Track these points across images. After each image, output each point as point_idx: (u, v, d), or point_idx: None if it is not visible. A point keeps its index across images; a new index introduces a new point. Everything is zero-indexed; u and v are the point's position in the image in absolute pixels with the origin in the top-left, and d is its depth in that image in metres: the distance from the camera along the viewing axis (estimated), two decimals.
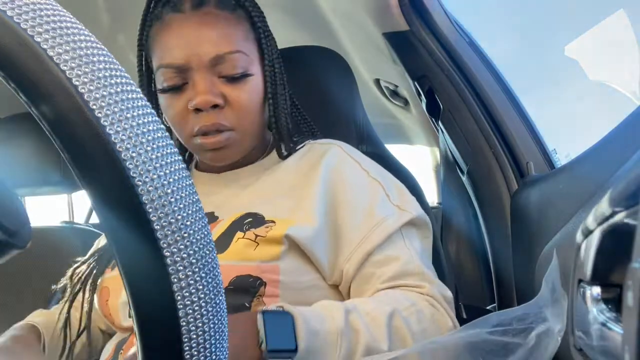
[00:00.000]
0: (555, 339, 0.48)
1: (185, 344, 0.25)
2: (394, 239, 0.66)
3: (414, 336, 0.58)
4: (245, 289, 0.62)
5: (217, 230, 0.66)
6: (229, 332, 0.39)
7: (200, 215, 0.26)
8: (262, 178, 0.73)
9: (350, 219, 0.67)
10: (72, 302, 0.71)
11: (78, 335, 0.71)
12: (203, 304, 0.26)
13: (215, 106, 0.66)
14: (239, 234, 0.64)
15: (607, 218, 0.36)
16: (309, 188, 0.68)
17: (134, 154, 0.24)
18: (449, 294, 0.66)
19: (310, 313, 0.56)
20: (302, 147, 0.77)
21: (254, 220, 0.65)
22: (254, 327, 0.52)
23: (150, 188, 0.24)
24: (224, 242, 0.65)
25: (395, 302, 0.60)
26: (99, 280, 0.71)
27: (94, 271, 0.71)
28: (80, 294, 0.71)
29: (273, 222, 0.64)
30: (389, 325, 0.57)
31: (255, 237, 0.63)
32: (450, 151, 0.96)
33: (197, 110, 0.66)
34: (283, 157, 0.75)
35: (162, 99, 0.70)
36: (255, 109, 0.70)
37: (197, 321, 0.25)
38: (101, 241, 0.81)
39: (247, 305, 0.63)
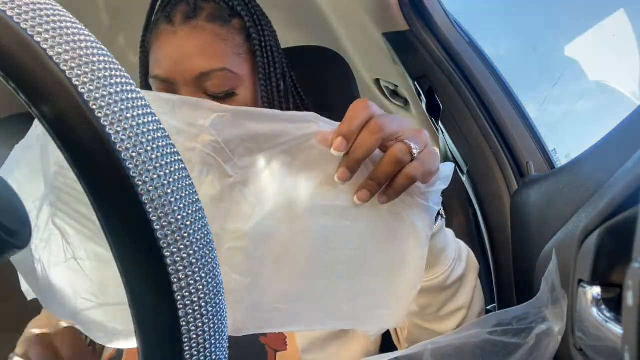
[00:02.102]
0: (556, 339, 0.48)
1: (185, 344, 0.25)
2: None
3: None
4: None
5: None
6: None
7: (201, 215, 0.26)
8: None
9: None
10: None
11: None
12: (203, 304, 0.26)
13: None
14: None
15: (607, 218, 0.36)
16: None
17: (134, 154, 0.24)
18: None
19: None
20: None
21: None
22: None
23: (150, 188, 0.24)
24: None
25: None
26: None
27: None
28: None
29: None
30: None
31: None
32: (450, 151, 0.96)
33: None
34: None
35: None
36: None
37: (197, 321, 0.25)
38: None
39: None
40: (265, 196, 0.46)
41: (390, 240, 0.49)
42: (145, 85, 0.74)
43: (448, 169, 0.50)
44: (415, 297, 0.52)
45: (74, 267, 0.45)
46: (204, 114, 0.44)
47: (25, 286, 0.48)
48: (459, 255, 0.59)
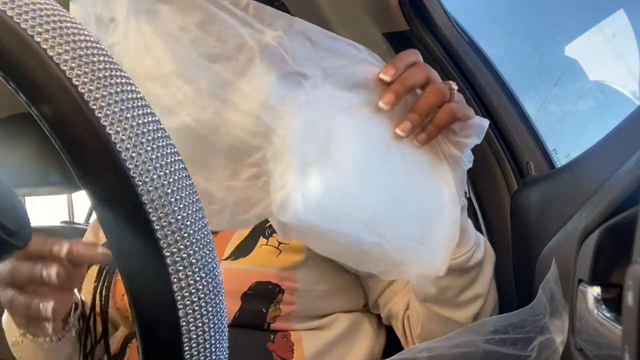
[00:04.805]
0: (557, 351, 0.48)
1: (185, 344, 0.25)
2: None
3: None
4: (265, 296, 0.63)
5: (240, 234, 0.67)
6: None
7: (201, 215, 0.26)
8: None
9: None
10: (93, 309, 0.70)
11: (97, 342, 0.71)
12: (203, 304, 0.26)
13: None
14: (262, 240, 0.65)
15: (607, 218, 0.36)
16: None
17: (134, 154, 0.24)
18: None
19: None
20: None
21: None
22: None
23: (150, 188, 0.24)
24: (247, 246, 0.65)
25: None
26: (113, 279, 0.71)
27: (107, 274, 0.71)
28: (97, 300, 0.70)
29: None
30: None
31: (278, 245, 0.65)
32: None
33: None
34: None
35: None
36: None
37: (197, 321, 0.25)
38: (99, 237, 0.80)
39: (264, 310, 0.64)
40: (317, 96, 0.47)
41: (428, 182, 0.50)
42: None
43: (484, 120, 0.51)
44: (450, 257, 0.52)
45: None
46: (274, 17, 0.47)
47: None
48: (478, 241, 0.59)
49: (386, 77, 0.47)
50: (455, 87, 0.49)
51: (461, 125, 0.50)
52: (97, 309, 0.69)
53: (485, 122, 0.51)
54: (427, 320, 0.63)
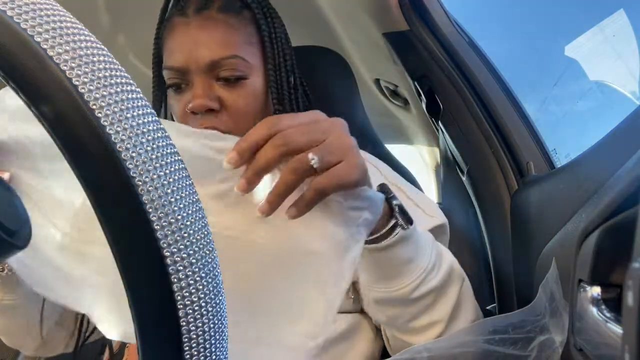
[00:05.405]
0: (557, 351, 0.48)
1: (185, 344, 0.25)
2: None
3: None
4: None
5: None
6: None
7: (201, 215, 0.26)
8: None
9: None
10: None
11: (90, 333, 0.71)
12: (203, 304, 0.26)
13: (210, 110, 0.66)
14: None
15: (607, 218, 0.36)
16: None
17: (134, 154, 0.24)
18: None
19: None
20: None
21: None
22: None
23: (150, 188, 0.24)
24: None
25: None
26: None
27: None
28: None
29: None
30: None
31: None
32: (450, 151, 0.96)
33: (194, 112, 0.67)
34: None
35: (169, 97, 0.72)
36: (253, 114, 0.69)
37: (197, 321, 0.25)
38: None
39: None
40: None
41: (301, 267, 0.46)
42: (158, 79, 0.76)
43: (374, 195, 0.46)
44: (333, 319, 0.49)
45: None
46: None
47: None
48: (434, 267, 0.55)
49: (228, 167, 0.43)
50: (314, 159, 0.43)
51: (347, 195, 0.45)
52: None
53: (377, 195, 0.46)
54: (392, 339, 0.63)
